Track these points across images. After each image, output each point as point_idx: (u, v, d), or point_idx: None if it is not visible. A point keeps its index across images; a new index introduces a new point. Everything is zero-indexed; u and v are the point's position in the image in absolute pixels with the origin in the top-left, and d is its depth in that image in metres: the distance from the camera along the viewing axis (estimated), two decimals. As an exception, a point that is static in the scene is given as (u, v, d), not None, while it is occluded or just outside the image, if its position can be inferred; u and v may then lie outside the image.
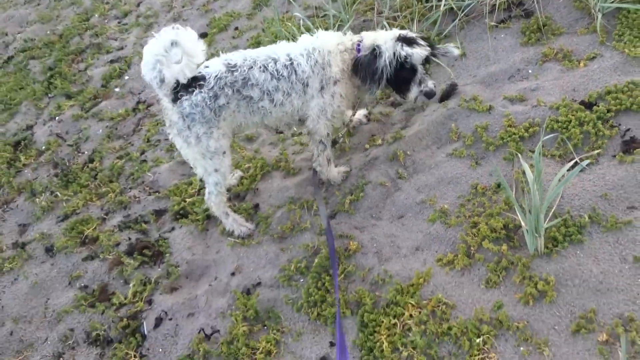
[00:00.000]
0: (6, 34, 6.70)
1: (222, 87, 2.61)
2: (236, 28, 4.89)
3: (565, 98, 2.91)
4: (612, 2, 3.22)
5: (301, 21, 4.23)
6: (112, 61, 5.18)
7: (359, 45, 2.81)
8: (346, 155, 3.27)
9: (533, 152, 2.67)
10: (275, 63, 2.67)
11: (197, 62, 2.58)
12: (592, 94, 2.86)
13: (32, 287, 3.21)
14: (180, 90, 2.58)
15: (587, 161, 2.45)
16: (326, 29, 4.10)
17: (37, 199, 3.82)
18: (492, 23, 3.62)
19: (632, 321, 2.04)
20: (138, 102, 4.49)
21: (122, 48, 5.38)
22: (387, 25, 3.84)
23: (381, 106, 3.50)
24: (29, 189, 3.94)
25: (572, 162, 2.45)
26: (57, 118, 4.63)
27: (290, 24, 4.26)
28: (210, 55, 4.48)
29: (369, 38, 2.81)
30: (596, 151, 2.62)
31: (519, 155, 2.65)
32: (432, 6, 3.87)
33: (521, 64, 3.29)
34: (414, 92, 2.79)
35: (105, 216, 3.52)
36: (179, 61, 2.51)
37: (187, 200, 3.36)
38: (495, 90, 3.22)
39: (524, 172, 2.49)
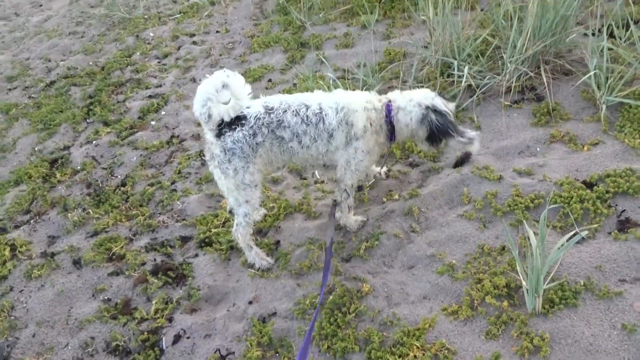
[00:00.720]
0: (49, 60, 7.16)
1: (260, 126, 2.91)
2: (269, 80, 5.30)
3: (568, 176, 3.22)
4: (616, 96, 3.59)
5: (331, 81, 4.62)
6: (150, 96, 5.56)
7: (389, 106, 3.12)
8: (364, 206, 3.55)
9: (537, 221, 2.95)
10: (307, 109, 2.97)
11: (242, 104, 2.91)
12: (594, 175, 3.17)
13: (57, 295, 3.41)
14: (224, 127, 2.91)
15: (586, 232, 2.72)
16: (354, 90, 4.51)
17: (69, 214, 4.07)
18: (507, 103, 3.99)
19: (617, 380, 2.25)
20: (172, 136, 4.82)
21: (160, 86, 5.78)
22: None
23: (400, 165, 3.81)
24: (62, 204, 4.21)
25: (572, 233, 2.71)
26: (94, 142, 4.95)
27: (321, 82, 4.64)
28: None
29: (401, 98, 3.12)
30: (594, 225, 2.90)
31: (525, 222, 2.93)
32: (453, 81, 4.25)
33: (531, 142, 3.63)
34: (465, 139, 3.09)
35: (133, 237, 3.77)
36: (227, 102, 2.85)
37: (213, 230, 3.61)
38: (505, 163, 3.54)
39: (527, 238, 2.75)
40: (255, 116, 2.91)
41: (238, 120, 2.91)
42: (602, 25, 4.02)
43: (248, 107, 2.95)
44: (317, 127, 2.97)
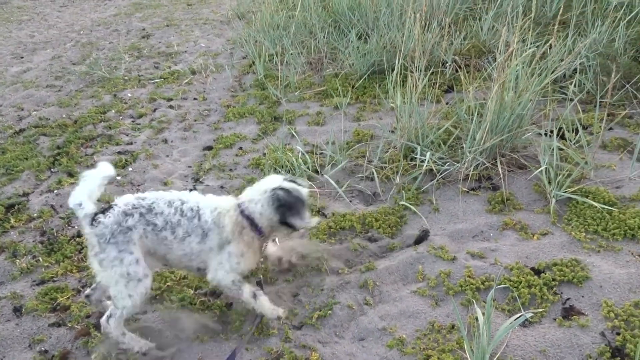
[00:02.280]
0: (22, 109, 7.19)
1: (130, 209, 2.92)
2: (240, 148, 5.43)
3: (518, 262, 3.35)
4: (565, 191, 3.82)
5: (300, 154, 4.78)
6: (119, 152, 5.59)
7: (241, 205, 3.09)
8: (321, 276, 3.57)
9: (486, 302, 3.02)
10: (182, 204, 3.01)
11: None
12: (542, 263, 3.31)
13: (-10, 343, 3.24)
14: (98, 216, 2.89)
15: (531, 314, 2.80)
16: (321, 166, 4.66)
17: (18, 260, 3.94)
18: (464, 189, 4.19)
19: None
20: (136, 192, 4.80)
21: (131, 143, 5.83)
22: (375, 172, 4.40)
23: (359, 239, 3.87)
24: (12, 249, 4.08)
25: (518, 315, 2.78)
26: (55, 191, 4.89)
27: (290, 154, 4.79)
28: (212, 167, 4.94)
29: (251, 191, 3.15)
30: (540, 310, 2.99)
31: (474, 302, 3.00)
32: (415, 164, 4.46)
33: (485, 227, 3.78)
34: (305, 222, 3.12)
35: (81, 288, 3.65)
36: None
37: (166, 285, 3.54)
38: (460, 245, 3.66)
39: (476, 318, 2.80)
40: (126, 202, 2.96)
41: (110, 208, 2.94)
42: (554, 127, 4.34)
43: (121, 199, 3.03)
44: (191, 222, 2.97)
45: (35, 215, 4.57)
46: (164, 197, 3.03)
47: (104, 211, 2.91)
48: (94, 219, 2.87)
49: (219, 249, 3.02)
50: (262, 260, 3.49)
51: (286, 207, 3.05)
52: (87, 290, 3.25)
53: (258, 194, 3.09)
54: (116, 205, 2.95)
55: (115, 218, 2.87)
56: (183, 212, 2.97)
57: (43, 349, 3.19)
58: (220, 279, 3.06)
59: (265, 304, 3.17)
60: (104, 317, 2.98)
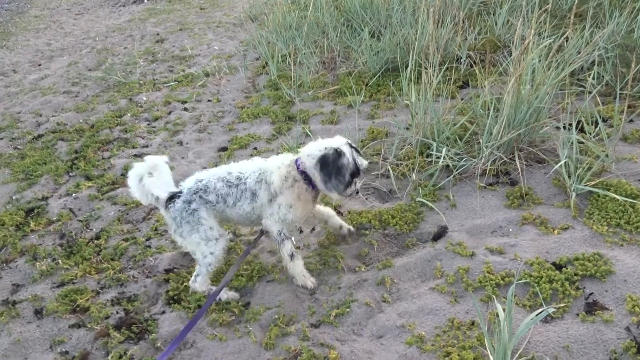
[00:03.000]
0: (40, 115, 7.28)
1: (192, 194, 3.34)
2: (255, 148, 5.43)
3: (539, 257, 3.29)
4: (585, 185, 3.75)
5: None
6: (135, 155, 5.64)
7: (297, 160, 3.35)
8: (338, 274, 3.55)
9: (507, 298, 2.97)
10: (229, 175, 3.37)
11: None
12: (563, 257, 3.25)
13: (13, 344, 3.27)
14: (170, 202, 3.37)
15: (553, 309, 2.75)
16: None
17: (38, 263, 3.99)
18: (482, 184, 4.13)
19: None
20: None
21: (147, 146, 5.87)
22: (390, 170, 4.37)
23: (377, 234, 3.84)
24: (32, 252, 4.13)
25: (540, 310, 2.73)
26: (73, 195, 4.94)
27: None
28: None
29: (311, 146, 3.33)
30: (562, 305, 2.93)
31: (494, 298, 2.96)
32: (431, 161, 4.42)
33: (503, 223, 3.72)
34: (353, 188, 3.35)
35: (100, 290, 3.68)
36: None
37: (183, 285, 3.56)
38: (479, 240, 3.61)
39: (497, 315, 2.76)
40: (189, 187, 3.38)
41: (178, 195, 3.37)
42: (573, 120, 4.26)
43: (183, 182, 3.47)
44: (237, 189, 3.33)
45: (54, 218, 4.62)
46: (215, 173, 3.41)
47: (173, 197, 3.36)
48: (167, 204, 3.35)
49: (269, 203, 3.33)
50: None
51: (328, 170, 3.22)
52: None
53: (317, 151, 3.27)
54: (181, 190, 3.38)
55: (181, 205, 3.31)
56: (230, 182, 3.34)
57: (64, 350, 3.22)
58: (268, 226, 3.39)
59: (298, 268, 3.44)
60: (192, 279, 3.46)
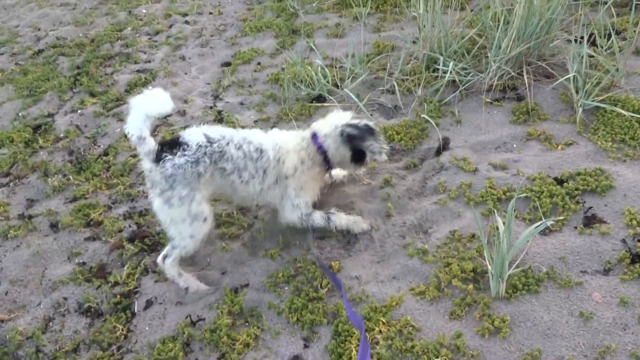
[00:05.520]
0: (39, 29, 7.11)
1: (202, 155, 2.82)
2: (259, 63, 5.34)
3: (541, 172, 3.33)
4: (593, 100, 3.71)
5: (319, 68, 4.69)
6: (138, 71, 5.57)
7: (315, 137, 3.16)
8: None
9: (507, 211, 3.05)
10: (249, 145, 2.97)
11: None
12: (565, 173, 3.29)
13: (32, 256, 3.43)
14: (164, 150, 2.78)
15: (551, 222, 2.83)
16: (341, 79, 4.58)
17: (49, 179, 4.08)
18: (488, 100, 4.10)
19: (569, 362, 2.36)
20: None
21: (149, 61, 5.78)
22: (396, 85, 4.32)
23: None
24: (43, 168, 4.21)
25: (539, 223, 2.81)
26: (79, 111, 4.95)
27: (309, 68, 4.71)
28: (231, 83, 4.90)
29: (325, 127, 3.18)
30: (561, 218, 3.02)
31: (495, 212, 3.04)
32: (437, 76, 4.35)
33: (508, 138, 3.73)
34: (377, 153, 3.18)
35: (112, 205, 3.79)
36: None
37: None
38: (482, 156, 3.64)
39: (497, 228, 2.84)
40: (198, 144, 2.83)
41: (179, 145, 2.81)
42: (585, 33, 4.13)
43: (189, 134, 2.89)
44: (256, 164, 2.97)
45: (61, 135, 4.66)
46: (229, 136, 2.94)
47: (170, 147, 2.81)
48: (158, 157, 2.77)
49: (275, 184, 3.06)
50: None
51: (357, 140, 3.10)
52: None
53: (334, 131, 3.13)
54: (184, 142, 2.84)
55: (185, 162, 2.76)
56: (250, 154, 2.95)
57: (81, 261, 3.38)
58: (288, 219, 3.15)
59: (343, 221, 3.19)
60: (160, 257, 2.99)
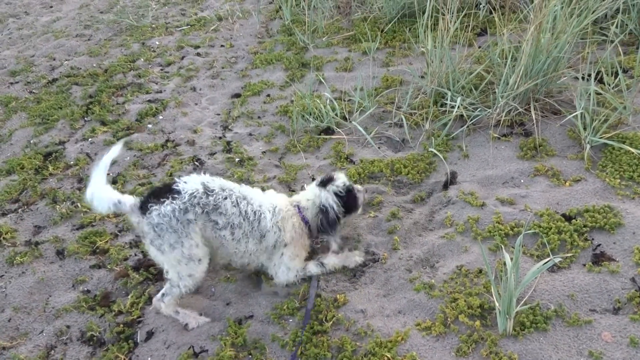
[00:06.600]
0: (54, 59, 7.26)
1: (193, 204, 2.80)
2: (268, 95, 5.41)
3: (549, 208, 3.32)
4: (600, 137, 3.72)
5: (328, 101, 4.74)
6: (149, 101, 5.65)
7: (299, 209, 3.20)
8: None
9: (515, 247, 3.03)
10: (247, 205, 2.96)
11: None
12: (573, 209, 3.27)
13: (37, 283, 3.42)
14: (149, 201, 2.79)
15: (559, 259, 2.80)
16: (349, 112, 4.62)
17: (58, 206, 4.11)
18: (495, 135, 4.11)
19: (579, 404, 2.30)
20: (167, 140, 4.89)
21: (160, 92, 5.87)
22: (404, 119, 4.35)
23: (389, 188, 3.89)
24: (52, 195, 4.24)
25: (547, 259, 2.79)
26: (89, 139, 5.01)
27: (318, 100, 4.76)
28: (241, 114, 4.95)
29: (303, 200, 3.23)
30: (569, 255, 2.98)
31: (503, 247, 3.01)
32: (445, 110, 4.38)
33: (515, 174, 3.73)
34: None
35: (118, 232, 3.80)
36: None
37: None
38: (490, 191, 3.64)
39: (504, 264, 2.81)
40: (191, 193, 2.82)
41: (169, 193, 2.81)
42: (592, 71, 4.17)
43: (185, 182, 2.88)
44: (252, 226, 2.96)
45: (72, 163, 4.71)
46: (228, 191, 2.94)
47: (159, 195, 2.81)
48: (144, 207, 2.79)
49: (273, 249, 3.08)
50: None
51: (323, 225, 3.17)
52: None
53: (308, 202, 3.21)
54: (177, 190, 2.82)
55: (172, 210, 2.75)
56: (246, 215, 2.94)
57: (86, 289, 3.37)
58: (282, 280, 3.16)
59: (336, 261, 3.26)
60: (158, 296, 2.99)
